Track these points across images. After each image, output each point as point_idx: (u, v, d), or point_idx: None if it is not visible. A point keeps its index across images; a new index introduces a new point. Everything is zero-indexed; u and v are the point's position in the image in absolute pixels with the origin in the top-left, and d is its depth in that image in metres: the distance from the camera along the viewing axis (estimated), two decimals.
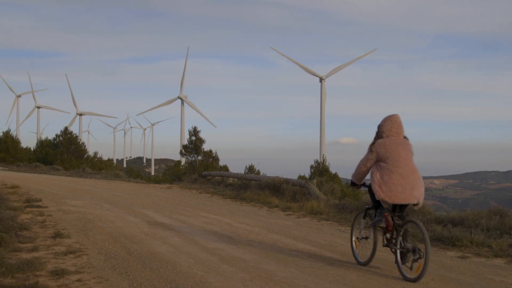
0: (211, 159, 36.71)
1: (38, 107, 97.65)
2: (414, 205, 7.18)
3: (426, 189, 11.18)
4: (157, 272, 7.13)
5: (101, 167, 44.40)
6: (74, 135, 49.33)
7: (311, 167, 33.87)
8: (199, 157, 37.37)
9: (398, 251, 7.08)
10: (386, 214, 7.38)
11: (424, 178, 7.38)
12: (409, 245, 6.92)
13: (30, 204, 13.96)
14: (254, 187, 19.61)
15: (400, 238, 7.07)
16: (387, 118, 7.58)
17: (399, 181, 7.03)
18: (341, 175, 35.24)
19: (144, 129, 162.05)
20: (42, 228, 10.50)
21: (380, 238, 7.77)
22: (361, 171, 7.73)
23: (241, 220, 12.57)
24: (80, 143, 49.52)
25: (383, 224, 7.36)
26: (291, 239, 10.14)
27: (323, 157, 37.48)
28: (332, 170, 33.40)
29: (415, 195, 7.03)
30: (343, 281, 6.90)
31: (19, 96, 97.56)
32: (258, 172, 30.97)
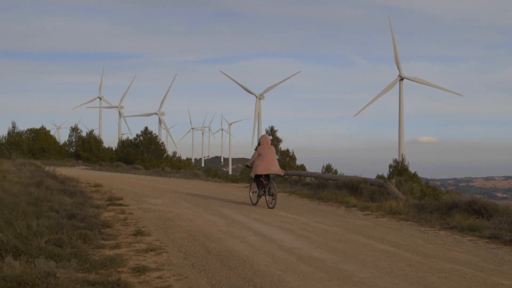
0: (288, 158, 36.75)
1: (119, 108, 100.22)
2: (278, 175, 16.92)
3: None
4: (235, 271, 7.19)
5: (180, 167, 45.17)
6: (154, 135, 50.39)
7: (390, 166, 33.39)
8: (276, 157, 37.49)
9: (266, 195, 14.84)
10: (262, 179, 14.96)
11: None
12: (271, 193, 14.69)
13: (112, 203, 14.36)
14: (331, 187, 19.45)
15: (266, 190, 14.82)
16: (262, 136, 15.83)
17: (265, 164, 14.87)
18: (420, 174, 34.62)
19: (222, 129, 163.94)
20: (123, 226, 10.78)
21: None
22: (252, 160, 15.39)
23: (318, 220, 12.51)
24: (160, 142, 50.53)
25: (260, 185, 14.99)
26: (369, 239, 10.01)
27: (402, 156, 36.88)
28: (411, 169, 32.87)
29: (272, 170, 14.89)
30: (423, 282, 6.76)
31: (101, 97, 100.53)
32: (336, 172, 30.78)
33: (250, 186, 15.85)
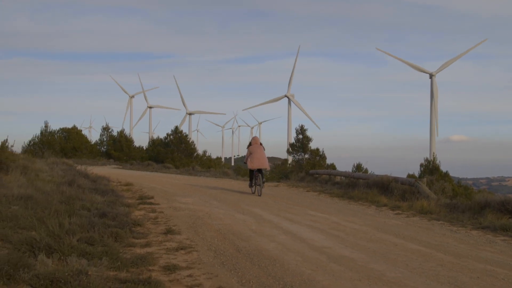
0: (318, 158, 36.60)
1: (150, 107, 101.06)
2: (265, 169, 18.49)
3: None
4: (265, 270, 7.19)
5: (210, 165, 45.36)
6: (184, 134, 50.67)
7: (421, 165, 33.04)
8: (306, 156, 37.38)
9: (257, 186, 17.96)
10: (256, 173, 17.91)
11: None
12: (258, 183, 17.87)
13: (143, 201, 14.46)
14: (361, 186, 19.35)
15: (258, 181, 17.86)
16: (253, 137, 18.91)
17: (256, 161, 17.80)
18: (452, 173, 34.23)
19: (252, 128, 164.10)
20: (154, 224, 10.85)
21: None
22: (247, 158, 18.36)
23: (348, 219, 12.45)
24: (190, 142, 50.78)
25: (254, 178, 18.10)
26: (400, 238, 9.93)
27: (433, 155, 36.51)
28: (443, 168, 32.51)
29: (261, 166, 17.84)
30: (455, 283, 6.68)
31: (132, 96, 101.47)
32: (366, 171, 30.59)
33: (250, 177, 18.80)
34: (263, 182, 18.26)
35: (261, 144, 18.60)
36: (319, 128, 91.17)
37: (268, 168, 19.47)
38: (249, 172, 18.65)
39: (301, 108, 79.25)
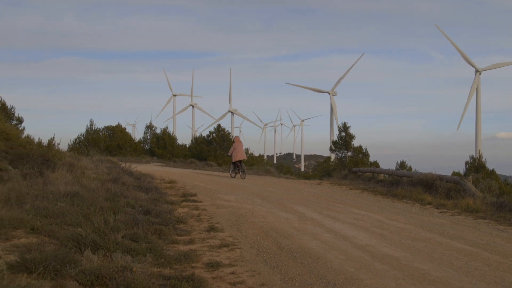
0: (361, 155, 36.33)
1: (193, 106, 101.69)
2: (243, 160, 25.27)
3: None
4: (308, 267, 7.17)
5: (252, 163, 45.34)
6: (227, 132, 50.85)
7: (466, 163, 32.53)
8: (349, 153, 37.15)
9: (240, 173, 24.75)
10: (237, 164, 24.93)
11: None
12: (242, 170, 24.65)
13: (186, 199, 14.57)
14: (405, 184, 19.14)
15: (240, 169, 24.77)
16: (235, 136, 27.10)
17: (238, 154, 24.81)
18: (499, 171, 33.62)
19: (294, 126, 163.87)
20: (197, 221, 10.92)
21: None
22: (231, 152, 25.31)
23: (392, 217, 12.32)
24: (232, 139, 50.94)
25: (237, 168, 25.12)
26: (445, 237, 9.79)
27: (479, 153, 35.90)
28: (489, 166, 31.96)
29: (242, 158, 24.85)
30: (502, 283, 6.57)
31: (175, 95, 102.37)
32: (410, 168, 30.20)
33: (230, 167, 26.27)
34: (245, 170, 25.00)
35: (240, 141, 25.85)
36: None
37: (246, 158, 26.05)
38: (232, 163, 25.48)
39: (335, 107, 78.66)
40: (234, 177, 24.97)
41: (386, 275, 6.84)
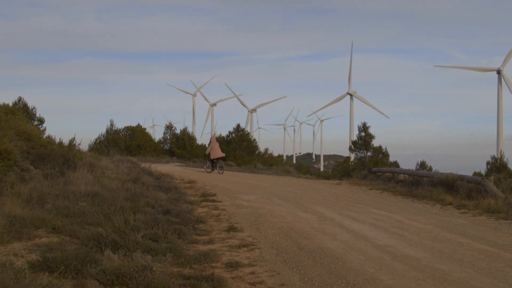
0: (380, 155, 36.12)
1: (212, 105, 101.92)
2: (222, 158, 28.65)
3: None
4: (327, 268, 7.16)
5: (271, 163, 45.28)
6: (246, 132, 50.88)
7: (488, 163, 32.23)
8: (369, 153, 36.97)
9: (216, 169, 27.82)
10: (215, 161, 27.88)
11: None
12: (220, 166, 27.76)
13: (205, 199, 14.62)
14: (426, 184, 19.00)
15: (217, 166, 27.93)
16: (211, 137, 31.30)
17: (216, 152, 27.76)
18: None
19: (313, 126, 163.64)
20: (217, 221, 10.95)
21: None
22: (208, 150, 28.34)
23: (412, 218, 12.25)
24: (252, 139, 50.94)
25: (214, 164, 27.99)
26: (466, 238, 9.72)
27: (500, 153, 35.56)
28: (511, 166, 31.60)
29: (219, 155, 27.88)
30: None
31: (195, 95, 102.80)
32: (430, 168, 29.98)
33: (206, 163, 29.44)
34: (223, 165, 28.12)
35: (216, 141, 29.08)
36: (388, 118, 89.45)
37: (224, 155, 29.45)
38: (210, 160, 28.31)
39: (366, 102, 78.15)
40: (210, 172, 27.83)
41: (406, 275, 6.81)
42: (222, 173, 27.07)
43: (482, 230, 10.80)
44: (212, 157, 27.97)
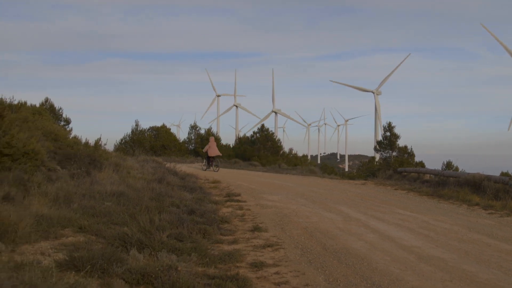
0: (406, 155, 35.84)
1: (237, 106, 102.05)
2: (218, 156, 30.40)
3: None
4: (352, 268, 7.13)
5: (296, 163, 45.23)
6: (270, 132, 50.83)
7: None
8: (394, 153, 36.71)
9: (212, 167, 29.53)
10: (211, 159, 29.73)
11: None
12: (216, 164, 29.61)
13: (230, 199, 14.65)
14: (452, 184, 18.82)
15: (213, 163, 29.64)
16: (210, 137, 32.59)
17: (213, 151, 29.60)
18: None
19: (338, 126, 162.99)
20: (241, 221, 10.96)
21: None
22: (206, 149, 30.14)
23: (439, 218, 12.14)
24: (276, 139, 50.88)
25: (210, 162, 29.83)
26: (493, 239, 9.61)
27: None
28: None
29: (216, 154, 29.81)
30: None
31: (219, 95, 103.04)
32: (457, 168, 29.70)
33: (203, 161, 31.35)
34: (218, 164, 29.83)
35: (215, 141, 31.10)
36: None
37: (220, 154, 31.34)
38: (207, 158, 29.97)
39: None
40: (205, 170, 29.47)
41: (432, 276, 6.75)
42: (217, 171, 28.29)
43: (509, 231, 10.66)
44: (209, 155, 29.74)
